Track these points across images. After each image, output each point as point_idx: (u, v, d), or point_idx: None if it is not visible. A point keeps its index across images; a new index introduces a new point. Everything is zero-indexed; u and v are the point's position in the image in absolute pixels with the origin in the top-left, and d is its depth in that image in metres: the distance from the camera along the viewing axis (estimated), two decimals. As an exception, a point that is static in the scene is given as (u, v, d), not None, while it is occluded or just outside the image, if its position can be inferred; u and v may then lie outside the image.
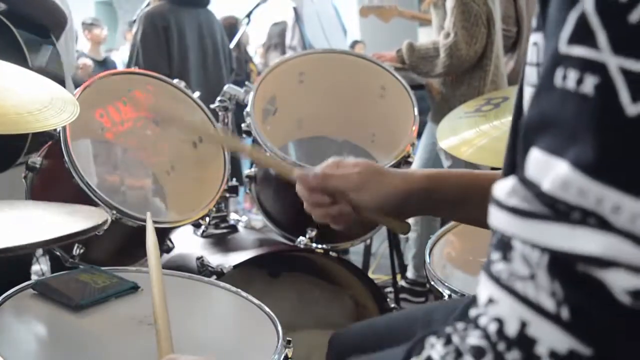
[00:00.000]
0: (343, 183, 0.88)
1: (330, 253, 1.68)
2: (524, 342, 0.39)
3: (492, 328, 0.41)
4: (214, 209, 1.70)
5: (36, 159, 1.53)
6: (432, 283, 1.26)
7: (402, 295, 2.65)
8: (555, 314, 0.38)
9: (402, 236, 2.95)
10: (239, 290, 1.18)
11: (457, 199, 0.88)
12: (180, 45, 3.04)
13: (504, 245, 0.41)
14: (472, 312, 0.43)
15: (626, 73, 0.36)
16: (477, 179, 0.87)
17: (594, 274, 0.37)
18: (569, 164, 0.37)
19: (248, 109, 1.69)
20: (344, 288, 1.76)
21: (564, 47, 0.39)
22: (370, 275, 2.43)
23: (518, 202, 0.40)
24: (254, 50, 6.88)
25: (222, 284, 1.22)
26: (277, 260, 1.70)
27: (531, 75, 0.52)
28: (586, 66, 0.38)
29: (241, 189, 1.98)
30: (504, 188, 0.42)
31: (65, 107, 1.15)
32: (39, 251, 2.13)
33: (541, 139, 0.40)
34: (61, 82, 1.88)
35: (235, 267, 1.52)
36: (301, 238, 1.66)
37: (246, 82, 1.91)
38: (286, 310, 1.61)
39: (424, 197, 0.87)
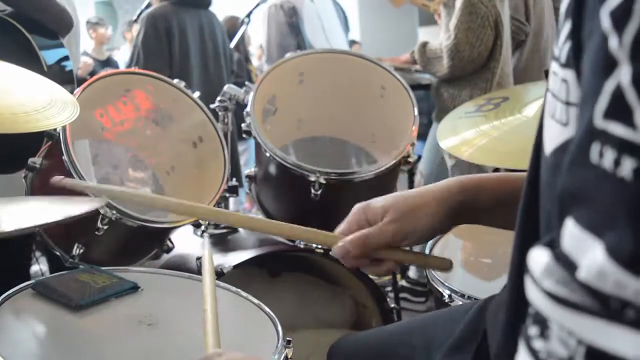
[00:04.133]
0: (383, 240, 0.84)
1: (330, 253, 1.67)
2: None
3: None
4: (214, 209, 1.69)
5: (36, 159, 1.53)
6: (433, 283, 1.26)
7: (402, 295, 2.65)
8: None
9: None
10: (239, 290, 1.18)
11: (496, 206, 0.84)
12: (182, 47, 3.05)
13: (542, 322, 0.39)
14: None
15: None
16: (514, 184, 0.83)
17: None
18: (605, 250, 0.35)
19: (248, 109, 1.69)
20: (344, 288, 1.76)
21: (600, 122, 0.36)
22: (370, 275, 2.43)
23: (554, 287, 0.38)
24: (254, 50, 6.88)
25: (222, 284, 1.22)
26: (277, 260, 1.70)
27: (558, 111, 0.48)
28: (624, 147, 0.35)
29: (241, 189, 1.98)
30: (539, 264, 0.40)
31: (65, 107, 1.15)
32: (39, 251, 2.13)
33: (578, 211, 0.38)
34: (72, 84, 1.89)
35: (235, 267, 1.52)
36: (301, 238, 1.66)
37: (246, 82, 1.91)
38: (286, 310, 1.61)
39: (461, 210, 0.84)
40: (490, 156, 1.45)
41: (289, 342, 1.01)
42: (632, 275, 0.34)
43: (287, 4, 3.56)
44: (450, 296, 1.20)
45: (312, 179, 1.57)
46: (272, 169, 1.70)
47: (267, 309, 1.10)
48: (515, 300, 0.61)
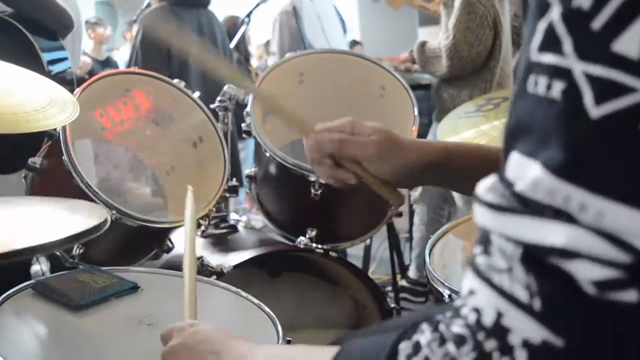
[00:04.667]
0: (359, 152, 0.86)
1: (330, 253, 1.68)
2: (499, 331, 0.41)
3: (472, 318, 0.43)
4: (214, 209, 1.70)
5: (36, 159, 1.53)
6: (432, 283, 1.26)
7: (402, 295, 2.65)
8: (528, 304, 0.40)
9: (402, 236, 2.96)
10: (239, 290, 1.18)
11: (471, 171, 0.87)
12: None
13: (485, 239, 0.43)
14: (457, 302, 0.45)
15: (590, 78, 0.38)
16: (490, 153, 0.88)
17: (562, 266, 0.38)
18: (541, 166, 0.39)
19: (248, 109, 1.69)
20: (344, 288, 1.76)
21: (535, 55, 0.41)
22: (370, 275, 2.43)
23: (494, 198, 0.42)
24: (253, 50, 6.89)
25: (222, 284, 1.22)
26: (277, 260, 1.70)
27: None
28: (554, 72, 0.40)
29: (241, 189, 1.98)
30: (485, 185, 0.44)
31: (65, 107, 1.15)
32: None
33: (519, 143, 0.42)
34: (71, 85, 1.89)
35: (235, 267, 1.52)
36: (301, 238, 1.66)
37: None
38: (286, 310, 1.61)
39: (439, 168, 0.88)
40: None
41: (289, 342, 1.01)
42: (562, 181, 0.38)
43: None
44: (450, 296, 1.20)
45: (312, 179, 1.57)
46: (272, 169, 1.70)
47: (267, 309, 1.10)
48: None
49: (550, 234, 0.39)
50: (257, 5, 3.40)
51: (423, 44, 2.58)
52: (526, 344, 0.40)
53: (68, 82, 1.93)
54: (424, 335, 0.46)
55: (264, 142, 1.62)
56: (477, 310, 0.43)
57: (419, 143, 0.89)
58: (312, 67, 1.84)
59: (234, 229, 1.87)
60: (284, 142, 1.84)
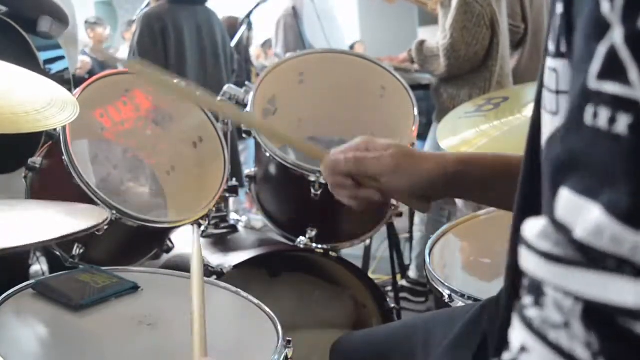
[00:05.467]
0: (376, 168, 0.85)
1: (330, 253, 1.68)
2: None
3: None
4: (214, 209, 1.70)
5: (36, 159, 1.53)
6: (432, 283, 1.26)
7: (402, 295, 2.65)
8: None
9: (402, 236, 2.95)
10: (239, 290, 1.18)
11: (488, 182, 0.86)
12: (178, 47, 3.03)
13: (536, 289, 0.39)
14: (506, 357, 0.41)
15: None
16: (508, 162, 0.86)
17: (630, 327, 0.35)
18: (602, 209, 0.35)
19: (248, 109, 1.69)
20: (344, 288, 1.76)
21: (594, 83, 0.37)
22: (370, 275, 2.43)
23: (550, 247, 0.38)
24: (253, 51, 6.89)
25: (222, 284, 1.22)
26: (277, 260, 1.70)
27: (549, 102, 0.50)
28: (618, 104, 0.35)
29: (241, 189, 1.98)
30: (533, 229, 0.40)
31: (65, 107, 1.15)
32: (39, 252, 2.13)
33: (571, 179, 0.38)
34: (68, 84, 1.89)
35: (235, 267, 1.52)
36: (301, 238, 1.66)
37: (246, 82, 1.91)
38: (286, 310, 1.61)
39: (456, 180, 0.85)
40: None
41: (289, 342, 1.01)
42: (630, 229, 0.34)
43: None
44: (450, 296, 1.20)
45: (312, 179, 1.57)
46: (272, 169, 1.70)
47: (267, 309, 1.10)
48: (511, 293, 0.61)
49: (617, 291, 0.35)
50: (257, 5, 3.40)
51: (421, 43, 2.58)
52: None
53: (65, 81, 1.93)
54: None
55: (264, 142, 1.62)
56: None
57: (434, 155, 0.87)
58: (312, 67, 1.84)
59: (234, 229, 1.87)
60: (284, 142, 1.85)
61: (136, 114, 1.73)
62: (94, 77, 1.59)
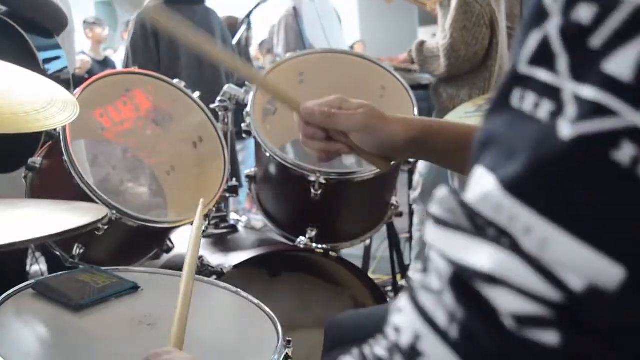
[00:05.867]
0: (348, 123, 0.91)
1: (330, 253, 1.68)
2: (412, 355, 0.38)
3: (392, 338, 0.40)
4: (214, 209, 1.70)
5: (36, 159, 1.53)
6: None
7: (402, 295, 2.65)
8: (444, 331, 0.37)
9: (402, 236, 2.95)
10: (239, 290, 1.18)
11: (450, 150, 0.92)
12: (171, 47, 3.01)
13: (426, 257, 0.40)
14: (390, 318, 0.42)
15: (577, 99, 0.35)
16: (470, 133, 0.91)
17: (484, 292, 0.36)
18: (496, 179, 0.37)
19: (248, 108, 1.69)
20: (344, 288, 1.76)
21: (524, 68, 0.38)
22: (370, 275, 2.43)
23: (441, 212, 0.39)
24: (252, 51, 6.89)
25: (222, 284, 1.22)
26: (277, 260, 1.70)
27: None
28: (545, 91, 0.37)
29: (241, 189, 1.98)
30: (435, 197, 0.41)
31: (65, 107, 1.15)
32: (38, 252, 2.13)
33: (485, 156, 0.39)
34: (67, 84, 1.90)
35: (235, 267, 1.52)
36: (301, 238, 1.66)
37: (246, 82, 1.91)
38: (286, 310, 1.61)
39: (422, 145, 0.92)
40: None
41: (289, 342, 1.01)
42: (512, 197, 0.35)
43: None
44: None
45: (312, 179, 1.57)
46: (272, 169, 1.70)
47: (267, 309, 1.10)
48: None
49: (480, 255, 0.36)
50: (257, 5, 3.40)
51: (422, 44, 2.58)
52: None
53: (64, 81, 1.94)
54: (352, 355, 0.43)
55: (264, 142, 1.62)
56: (397, 330, 0.40)
57: (404, 119, 0.94)
58: (312, 67, 1.84)
59: (234, 229, 1.88)
60: (284, 142, 1.85)
61: (136, 114, 1.73)
62: (94, 77, 1.59)
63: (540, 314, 0.34)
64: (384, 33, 8.86)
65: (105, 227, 1.41)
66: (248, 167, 1.85)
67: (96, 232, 1.41)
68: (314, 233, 1.65)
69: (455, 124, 0.98)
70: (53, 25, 1.96)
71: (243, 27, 3.61)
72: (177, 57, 3.04)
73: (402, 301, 0.41)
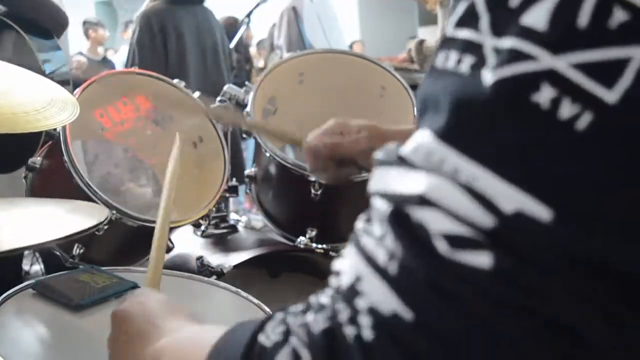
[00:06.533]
0: (353, 150, 0.93)
1: (330, 253, 1.68)
2: (351, 295, 0.38)
3: (334, 284, 0.41)
4: (214, 209, 1.70)
5: (36, 159, 1.53)
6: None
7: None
8: (384, 268, 0.37)
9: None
10: (239, 290, 1.18)
11: None
12: (178, 46, 3.03)
13: (370, 207, 0.41)
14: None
15: (497, 50, 0.36)
16: None
17: (416, 215, 0.36)
18: (430, 132, 0.38)
19: (248, 109, 1.69)
20: (344, 288, 1.76)
21: (451, 31, 0.40)
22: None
23: (382, 156, 0.41)
24: (252, 51, 6.89)
25: (222, 284, 1.22)
26: (277, 261, 1.70)
27: None
28: (466, 47, 0.38)
29: (241, 189, 1.98)
30: (382, 149, 0.43)
31: (65, 107, 1.15)
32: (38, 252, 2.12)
33: (424, 119, 0.40)
34: (68, 85, 1.90)
35: (235, 267, 1.52)
36: (301, 238, 1.66)
37: (246, 82, 1.91)
38: (286, 310, 1.61)
39: None
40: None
41: (289, 342, 1.01)
42: (442, 143, 0.37)
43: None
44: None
45: (312, 179, 1.57)
46: (272, 169, 1.70)
47: (267, 309, 1.10)
48: None
49: (413, 182, 0.37)
50: (257, 5, 3.40)
51: (421, 43, 2.58)
52: (373, 312, 0.37)
53: (64, 81, 1.94)
54: (294, 308, 0.44)
55: (264, 142, 1.62)
56: (338, 274, 0.41)
57: (404, 131, 0.94)
58: (312, 67, 1.84)
59: (234, 229, 1.87)
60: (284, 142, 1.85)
61: (136, 114, 1.73)
62: (94, 77, 1.59)
63: (472, 236, 0.35)
64: (383, 33, 8.86)
65: (106, 227, 1.41)
66: (248, 168, 1.86)
67: (96, 232, 1.41)
68: (314, 233, 1.65)
69: None
70: (53, 25, 1.96)
71: (243, 27, 3.62)
72: (184, 55, 3.05)
73: (346, 249, 0.42)
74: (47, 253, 1.78)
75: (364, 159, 0.92)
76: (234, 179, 1.82)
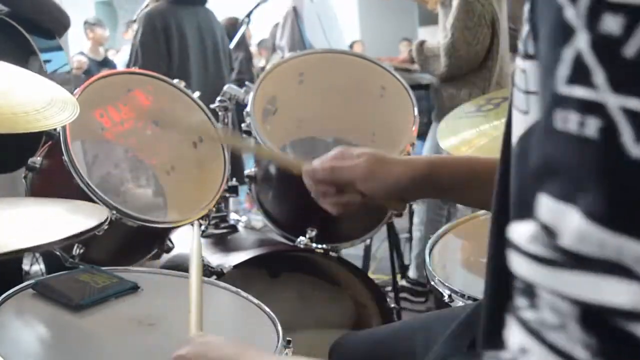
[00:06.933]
0: (351, 174, 0.91)
1: (330, 253, 1.68)
2: None
3: None
4: (214, 209, 1.70)
5: (36, 159, 1.53)
6: (433, 283, 1.26)
7: (402, 295, 2.65)
8: None
9: (402, 236, 2.95)
10: (239, 290, 1.18)
11: (459, 184, 0.92)
12: (181, 46, 3.03)
13: (530, 292, 0.39)
14: (505, 356, 0.41)
15: (627, 112, 0.34)
16: (478, 164, 0.92)
17: (628, 329, 0.35)
18: (582, 214, 0.36)
19: (248, 109, 1.69)
20: (344, 288, 1.76)
21: (563, 88, 0.38)
22: (370, 275, 2.43)
23: (540, 250, 0.38)
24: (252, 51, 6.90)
25: (222, 284, 1.22)
26: (277, 260, 1.70)
27: (519, 101, 0.51)
28: (586, 108, 0.36)
29: (241, 189, 1.98)
30: (523, 233, 0.40)
31: (65, 107, 1.15)
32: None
33: (548, 185, 0.38)
34: (69, 84, 1.90)
35: (235, 267, 1.52)
36: (301, 238, 1.66)
37: (246, 82, 1.91)
38: (286, 310, 1.61)
39: (424, 183, 0.91)
40: (490, 156, 1.45)
41: (289, 342, 1.01)
42: (610, 231, 0.35)
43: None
44: (450, 296, 1.20)
45: (312, 179, 1.56)
46: (272, 169, 1.70)
47: (267, 309, 1.10)
48: (493, 287, 0.62)
49: (612, 293, 0.35)
50: (257, 5, 3.40)
51: (422, 43, 2.59)
52: None
53: (66, 82, 1.94)
54: None
55: (264, 142, 1.62)
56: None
57: (405, 159, 0.95)
58: (312, 67, 1.84)
59: (234, 229, 1.87)
60: (284, 142, 1.85)
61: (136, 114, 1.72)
62: (94, 77, 1.59)
63: None
64: (384, 33, 8.85)
65: (106, 227, 1.40)
66: (248, 168, 1.86)
67: (96, 232, 1.40)
68: (314, 233, 1.65)
69: (458, 158, 1.00)
70: (55, 26, 1.96)
71: (244, 27, 3.62)
72: (187, 56, 3.05)
73: (521, 340, 0.40)
74: (48, 253, 1.78)
75: (363, 183, 0.91)
76: (234, 179, 1.82)
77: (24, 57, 1.79)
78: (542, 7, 0.42)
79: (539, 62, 0.43)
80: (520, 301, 0.40)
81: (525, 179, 0.43)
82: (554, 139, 0.38)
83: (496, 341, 0.44)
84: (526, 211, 0.41)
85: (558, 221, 0.37)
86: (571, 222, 0.36)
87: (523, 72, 0.49)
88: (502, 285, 0.55)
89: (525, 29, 0.47)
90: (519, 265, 0.40)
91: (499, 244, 0.53)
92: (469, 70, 2.46)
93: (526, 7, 0.47)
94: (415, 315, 1.77)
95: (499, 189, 0.60)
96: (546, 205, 0.38)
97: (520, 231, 0.40)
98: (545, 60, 0.40)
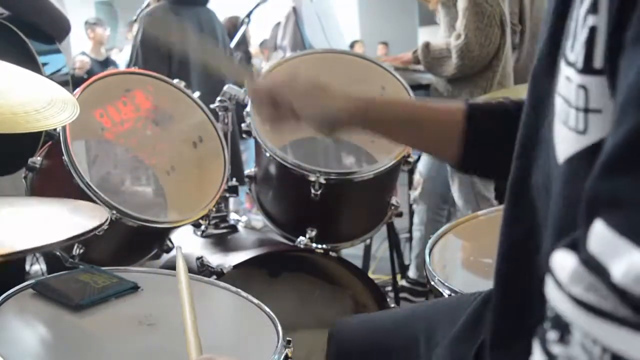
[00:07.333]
0: (287, 91, 0.95)
1: (330, 253, 1.68)
2: None
3: None
4: (214, 209, 1.70)
5: (36, 159, 1.53)
6: (432, 283, 1.26)
7: (402, 295, 2.65)
8: None
9: (402, 236, 2.95)
10: (239, 290, 1.18)
11: (395, 124, 0.95)
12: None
13: (563, 327, 0.38)
14: None
15: None
16: (421, 108, 0.95)
17: None
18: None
19: (248, 109, 1.69)
20: (344, 288, 1.76)
21: None
22: (370, 275, 2.43)
23: (583, 293, 0.37)
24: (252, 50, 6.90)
25: (222, 284, 1.22)
26: (277, 260, 1.70)
27: (572, 118, 0.48)
28: None
29: (241, 189, 1.98)
30: (565, 268, 0.39)
31: (65, 107, 1.15)
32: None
33: (611, 215, 0.36)
34: (67, 85, 1.90)
35: (235, 267, 1.52)
36: (301, 238, 1.66)
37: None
38: (286, 310, 1.61)
39: (363, 117, 0.94)
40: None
41: (289, 342, 1.01)
42: None
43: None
44: (450, 296, 1.20)
45: (312, 179, 1.57)
46: (272, 169, 1.70)
47: (267, 309, 1.10)
48: (502, 298, 0.61)
49: None
50: (257, 5, 3.40)
51: (427, 45, 2.58)
52: None
53: (64, 83, 1.94)
54: None
55: (264, 142, 1.62)
56: None
57: (347, 93, 0.96)
58: (312, 67, 1.84)
59: (234, 229, 1.87)
60: (284, 142, 1.85)
61: (136, 114, 1.73)
62: (94, 77, 1.59)
63: None
64: (383, 33, 8.86)
65: (106, 227, 1.40)
66: (249, 168, 1.85)
67: (96, 233, 1.40)
68: (314, 233, 1.65)
69: (398, 99, 1.05)
70: (56, 30, 1.96)
71: (244, 27, 3.62)
72: (188, 55, 3.05)
73: None
74: (48, 253, 1.78)
75: (298, 105, 0.94)
76: (234, 179, 1.82)
77: (21, 60, 1.79)
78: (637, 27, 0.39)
79: (623, 88, 0.40)
80: (550, 333, 0.39)
81: (574, 203, 0.41)
82: (630, 176, 0.36)
83: (506, 344, 0.43)
84: (569, 237, 0.40)
85: (612, 256, 0.35)
86: (630, 260, 0.34)
87: (582, 88, 0.46)
88: (508, 303, 0.55)
89: (583, 38, 0.45)
90: (556, 298, 0.39)
91: (507, 269, 0.56)
92: (478, 71, 2.46)
93: (590, 18, 0.44)
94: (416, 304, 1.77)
95: (511, 196, 0.61)
96: (603, 234, 0.36)
97: (562, 264, 0.39)
98: (633, 91, 0.38)
